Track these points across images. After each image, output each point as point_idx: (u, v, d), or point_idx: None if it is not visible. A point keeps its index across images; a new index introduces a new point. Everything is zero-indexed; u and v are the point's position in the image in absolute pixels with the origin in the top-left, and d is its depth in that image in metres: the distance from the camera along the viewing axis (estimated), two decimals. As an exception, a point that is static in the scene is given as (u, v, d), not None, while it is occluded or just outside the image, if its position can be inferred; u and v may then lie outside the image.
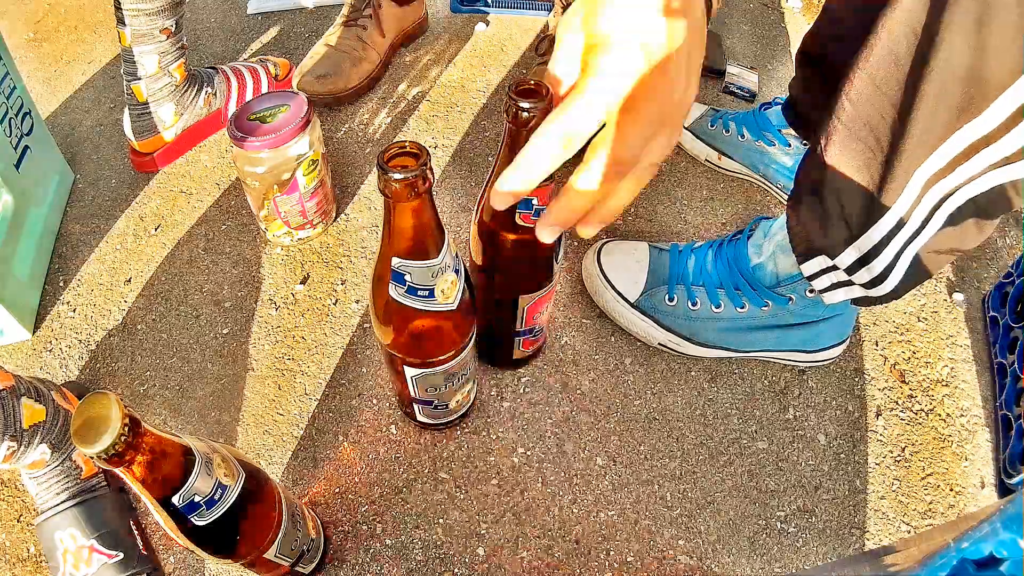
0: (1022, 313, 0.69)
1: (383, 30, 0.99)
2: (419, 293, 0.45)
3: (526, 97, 0.42)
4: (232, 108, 0.92)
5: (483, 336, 0.61)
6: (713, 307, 0.67)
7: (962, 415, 0.69)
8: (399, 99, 0.99)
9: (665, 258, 0.71)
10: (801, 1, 1.19)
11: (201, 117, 0.89)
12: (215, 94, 0.90)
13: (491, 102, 0.98)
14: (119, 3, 0.76)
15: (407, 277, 0.44)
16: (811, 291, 0.63)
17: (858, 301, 0.60)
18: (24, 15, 1.18)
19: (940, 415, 0.69)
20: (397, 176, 0.38)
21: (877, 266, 0.53)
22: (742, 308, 0.66)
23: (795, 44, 1.12)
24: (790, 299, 0.64)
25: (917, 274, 0.53)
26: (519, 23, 1.13)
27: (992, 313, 0.74)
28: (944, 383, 0.71)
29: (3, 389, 0.53)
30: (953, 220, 0.49)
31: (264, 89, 0.94)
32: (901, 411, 0.69)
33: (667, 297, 0.68)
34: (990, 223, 0.49)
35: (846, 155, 0.51)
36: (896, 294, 0.56)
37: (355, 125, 0.95)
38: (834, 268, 0.57)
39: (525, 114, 0.42)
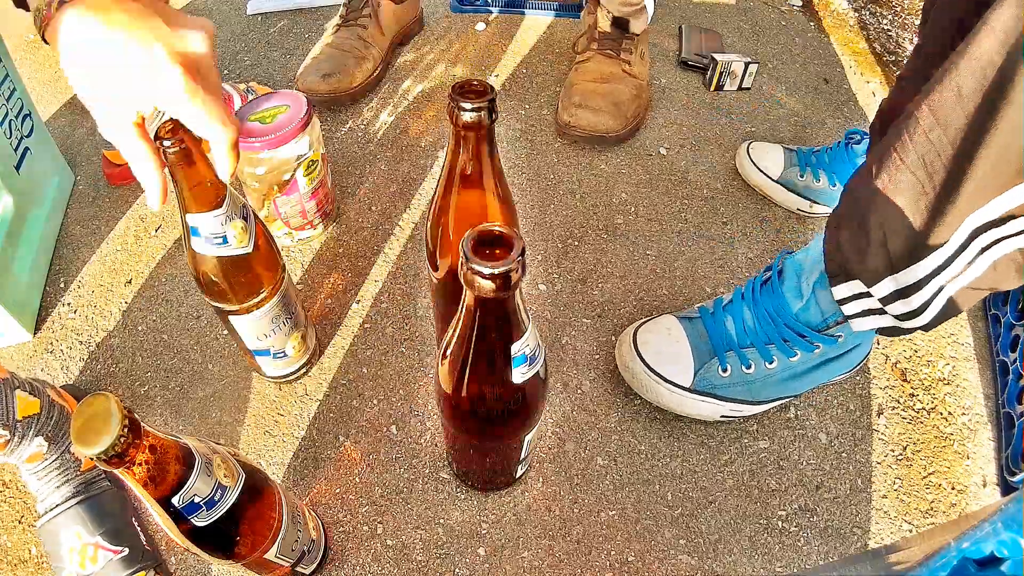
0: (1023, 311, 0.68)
1: (382, 28, 1.00)
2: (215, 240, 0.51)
3: (469, 98, 0.42)
4: None
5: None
6: (767, 364, 0.63)
7: (964, 413, 0.69)
8: (399, 99, 0.99)
9: (700, 327, 0.66)
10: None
11: None
12: None
13: (491, 102, 0.98)
14: None
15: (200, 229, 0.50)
16: (836, 323, 0.60)
17: (885, 331, 0.58)
18: (24, 17, 1.18)
19: (942, 413, 0.69)
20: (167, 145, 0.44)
21: (915, 301, 0.52)
22: (794, 357, 0.62)
23: (795, 42, 1.12)
24: (838, 337, 0.61)
25: (953, 309, 0.52)
26: (519, 23, 1.13)
27: (993, 311, 0.74)
28: (946, 381, 0.71)
29: None
30: (995, 267, 0.47)
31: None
32: (903, 410, 0.69)
33: (720, 369, 0.64)
34: None
35: (896, 186, 0.49)
36: (928, 328, 0.54)
37: (356, 125, 0.95)
38: (868, 295, 0.55)
39: (467, 116, 0.42)
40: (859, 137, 0.80)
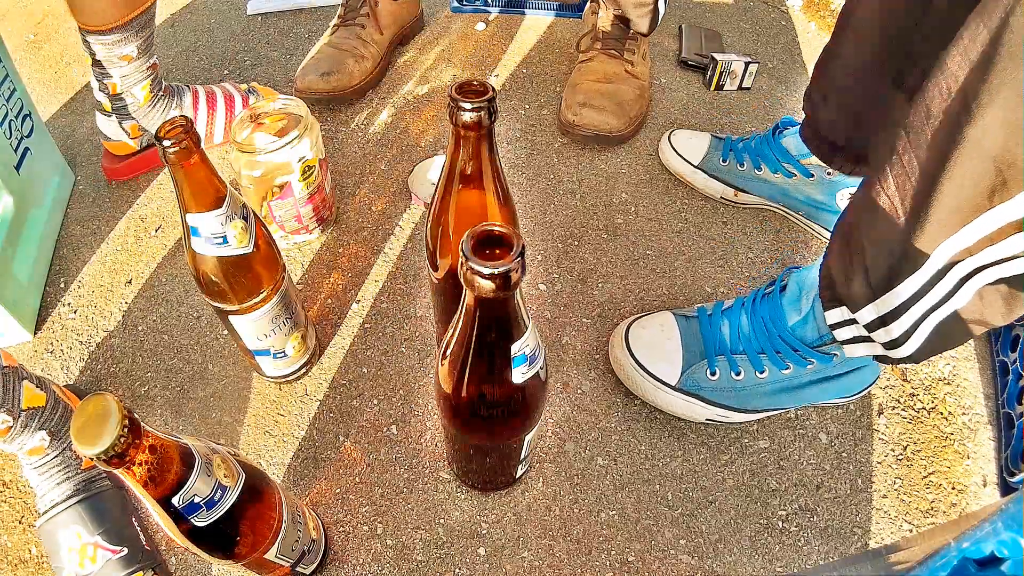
0: None
1: (381, 27, 1.00)
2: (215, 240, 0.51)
3: (469, 98, 0.42)
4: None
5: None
6: (757, 373, 0.62)
7: (964, 413, 0.69)
8: (399, 99, 0.99)
9: (695, 327, 0.66)
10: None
11: None
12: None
13: (491, 102, 0.98)
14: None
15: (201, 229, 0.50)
16: (833, 341, 0.59)
17: (879, 359, 0.57)
18: (24, 17, 1.18)
19: (942, 413, 0.69)
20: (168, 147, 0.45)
21: (896, 329, 0.51)
22: (786, 370, 0.61)
23: (795, 42, 1.12)
24: (834, 356, 0.60)
25: (942, 342, 0.50)
26: (519, 23, 1.13)
27: (994, 311, 0.74)
28: (946, 381, 0.71)
29: (6, 366, 0.54)
30: (981, 296, 0.46)
31: (237, 114, 0.93)
32: (903, 409, 0.69)
33: (708, 372, 0.63)
34: (1022, 303, 0.45)
35: (875, 210, 0.47)
36: (915, 359, 0.53)
37: (355, 126, 0.95)
38: (855, 322, 0.54)
39: (467, 116, 0.42)
40: (792, 128, 0.79)
